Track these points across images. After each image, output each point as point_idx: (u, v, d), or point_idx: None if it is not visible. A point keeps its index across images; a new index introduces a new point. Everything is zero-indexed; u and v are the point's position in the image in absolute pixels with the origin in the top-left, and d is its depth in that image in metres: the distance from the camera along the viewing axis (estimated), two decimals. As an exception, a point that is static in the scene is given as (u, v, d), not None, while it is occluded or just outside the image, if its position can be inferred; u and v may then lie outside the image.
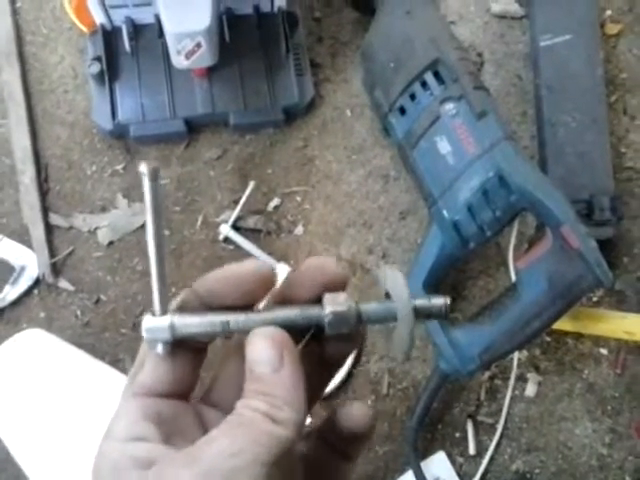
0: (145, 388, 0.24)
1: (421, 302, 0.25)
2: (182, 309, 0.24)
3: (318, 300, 0.25)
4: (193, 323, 0.24)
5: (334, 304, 0.24)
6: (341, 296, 0.24)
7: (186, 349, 0.25)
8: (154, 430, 0.23)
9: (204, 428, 0.25)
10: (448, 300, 0.25)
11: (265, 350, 0.23)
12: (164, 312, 0.24)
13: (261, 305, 0.26)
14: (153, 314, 0.24)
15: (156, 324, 0.24)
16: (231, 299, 0.25)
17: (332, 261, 0.26)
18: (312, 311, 0.25)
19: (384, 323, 0.25)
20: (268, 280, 0.25)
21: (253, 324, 0.24)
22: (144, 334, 0.24)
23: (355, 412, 0.27)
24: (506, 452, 0.59)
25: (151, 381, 0.25)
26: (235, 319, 0.24)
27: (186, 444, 0.22)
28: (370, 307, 0.25)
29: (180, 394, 0.25)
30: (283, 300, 0.26)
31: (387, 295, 0.25)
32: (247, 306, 0.25)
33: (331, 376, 0.29)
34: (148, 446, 0.23)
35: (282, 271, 0.61)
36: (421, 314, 0.25)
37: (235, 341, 0.28)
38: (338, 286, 0.25)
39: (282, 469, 0.22)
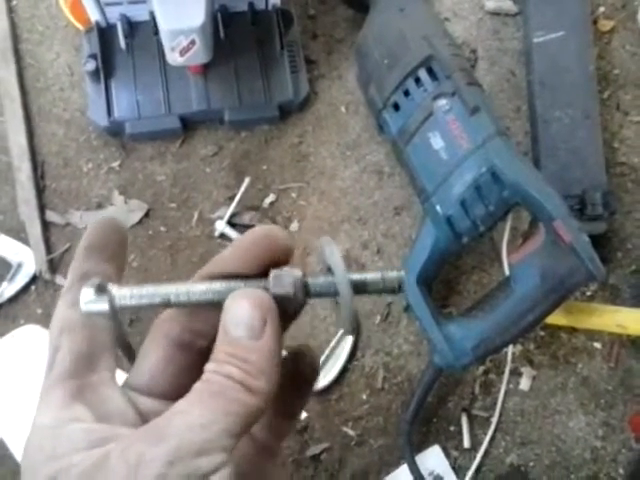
0: (65, 372, 0.23)
1: (358, 276, 0.24)
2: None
3: (264, 272, 0.24)
4: (132, 294, 0.23)
5: (280, 280, 0.23)
6: (288, 271, 0.23)
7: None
8: (85, 410, 0.22)
9: (140, 414, 0.24)
10: (402, 273, 0.24)
11: (248, 312, 0.22)
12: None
13: (201, 274, 0.25)
14: (93, 287, 0.23)
15: (95, 296, 0.23)
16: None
17: (279, 230, 0.25)
18: (258, 285, 0.24)
19: (331, 297, 0.24)
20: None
21: (194, 297, 0.23)
22: (82, 307, 0.23)
23: (306, 352, 0.26)
24: (500, 445, 0.60)
25: (69, 363, 0.23)
26: (176, 291, 0.23)
27: (125, 424, 0.21)
28: (317, 282, 0.24)
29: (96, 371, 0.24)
30: (225, 270, 0.24)
31: (329, 269, 0.25)
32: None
33: None
34: (84, 426, 0.21)
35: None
36: (371, 288, 0.24)
37: (162, 318, 0.26)
38: (284, 257, 0.24)
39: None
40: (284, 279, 0.23)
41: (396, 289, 0.24)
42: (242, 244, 0.24)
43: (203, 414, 0.20)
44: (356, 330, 0.25)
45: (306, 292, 0.24)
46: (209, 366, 0.21)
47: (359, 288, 0.24)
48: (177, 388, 0.24)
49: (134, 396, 0.24)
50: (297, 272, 0.24)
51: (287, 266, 0.24)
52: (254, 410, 0.21)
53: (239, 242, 0.24)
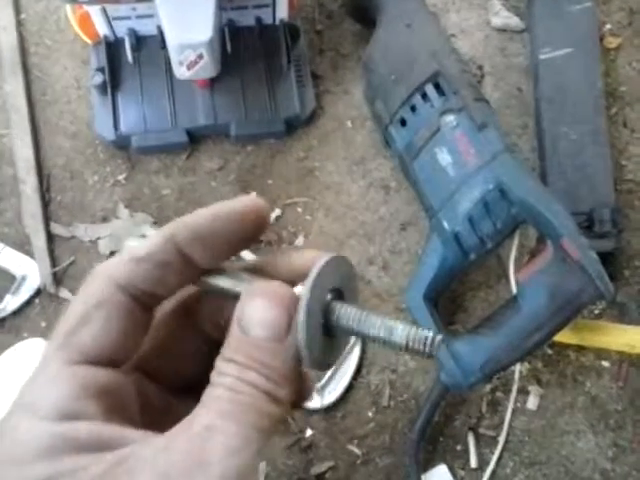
0: (85, 354, 0.20)
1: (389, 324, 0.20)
2: (145, 260, 0.21)
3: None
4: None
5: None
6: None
7: (138, 307, 0.21)
8: (94, 407, 0.19)
9: (142, 401, 0.22)
10: (440, 336, 0.20)
11: (272, 311, 0.20)
12: None
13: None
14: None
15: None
16: (221, 244, 0.22)
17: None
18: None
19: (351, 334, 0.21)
20: (261, 217, 0.22)
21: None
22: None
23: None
24: (508, 465, 0.59)
25: (95, 345, 0.20)
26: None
27: (125, 421, 0.19)
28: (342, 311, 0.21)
29: (118, 362, 0.21)
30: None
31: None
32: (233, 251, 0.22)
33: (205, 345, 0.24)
34: (90, 426, 0.19)
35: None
36: (398, 344, 0.20)
37: (172, 305, 0.24)
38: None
39: None
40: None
41: (426, 352, 0.20)
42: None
43: (239, 433, 0.18)
44: (327, 363, 0.22)
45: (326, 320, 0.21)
46: (228, 369, 0.19)
47: (382, 337, 0.21)
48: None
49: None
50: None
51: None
52: (278, 423, 0.19)
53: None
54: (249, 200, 0.23)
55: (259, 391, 0.19)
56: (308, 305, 0.20)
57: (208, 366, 0.20)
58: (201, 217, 0.22)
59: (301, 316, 0.20)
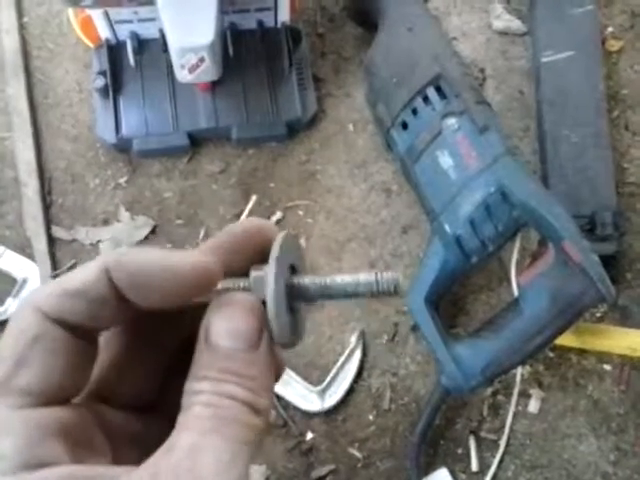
0: (29, 396, 0.18)
1: (350, 278, 0.22)
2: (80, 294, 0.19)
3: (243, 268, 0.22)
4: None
5: (262, 282, 0.21)
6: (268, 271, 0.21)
7: (76, 339, 0.19)
8: (58, 448, 0.17)
9: (106, 430, 0.20)
10: (397, 274, 0.22)
11: (243, 321, 0.19)
12: None
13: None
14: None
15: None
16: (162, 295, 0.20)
17: (272, 226, 0.22)
18: (236, 285, 0.21)
19: (319, 300, 0.22)
20: (211, 279, 0.20)
21: None
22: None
23: None
24: (509, 469, 0.59)
25: (39, 385, 0.18)
26: None
27: (95, 457, 0.18)
28: (303, 283, 0.22)
29: (68, 397, 0.19)
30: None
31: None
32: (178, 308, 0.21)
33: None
34: (60, 471, 0.17)
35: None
36: (362, 290, 0.22)
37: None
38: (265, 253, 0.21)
39: None
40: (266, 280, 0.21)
41: (392, 292, 0.22)
42: (228, 238, 0.21)
43: (227, 447, 0.17)
44: (295, 339, 0.22)
45: (291, 296, 0.22)
46: (202, 385, 0.18)
47: (350, 291, 0.22)
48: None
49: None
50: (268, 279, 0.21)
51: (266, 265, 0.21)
52: (261, 433, 0.18)
53: (229, 235, 0.22)
54: (202, 258, 0.20)
55: (239, 403, 0.18)
56: (276, 281, 0.20)
57: (169, 379, 0.20)
58: (144, 259, 0.19)
59: (271, 293, 0.20)
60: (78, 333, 0.19)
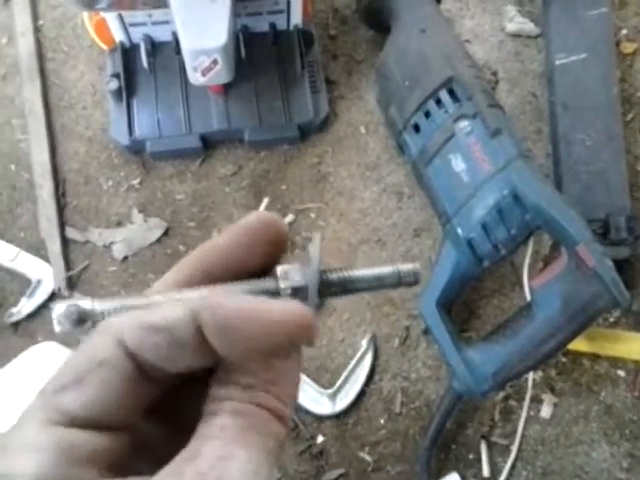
0: (71, 415, 0.17)
1: (373, 271, 0.23)
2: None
3: (263, 266, 0.22)
4: (112, 307, 0.19)
5: (292, 276, 0.21)
6: (299, 267, 0.21)
7: (141, 376, 0.18)
8: (88, 474, 0.17)
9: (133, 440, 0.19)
10: (417, 265, 0.23)
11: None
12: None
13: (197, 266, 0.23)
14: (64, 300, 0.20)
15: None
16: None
17: (279, 219, 0.21)
18: (262, 286, 0.21)
19: (344, 294, 0.23)
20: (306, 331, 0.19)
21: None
22: (57, 327, 0.19)
23: None
24: (521, 475, 0.58)
25: (86, 407, 0.17)
26: (169, 299, 0.20)
27: (122, 472, 0.17)
28: (332, 278, 0.22)
29: (106, 428, 0.18)
30: (226, 263, 0.21)
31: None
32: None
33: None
34: None
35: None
36: (387, 282, 0.23)
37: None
38: (281, 249, 0.21)
39: None
40: (295, 275, 0.21)
41: (412, 282, 0.23)
42: (245, 230, 0.21)
43: (252, 458, 0.17)
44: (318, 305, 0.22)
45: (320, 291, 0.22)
46: (231, 392, 0.18)
47: (374, 283, 0.23)
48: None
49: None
50: (312, 267, 0.21)
51: (289, 263, 0.21)
52: (283, 441, 0.18)
53: (240, 228, 0.21)
54: (299, 309, 0.19)
55: (267, 411, 0.18)
56: (319, 276, 0.21)
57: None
58: (235, 308, 0.18)
59: (313, 283, 0.21)
60: (145, 370, 0.18)
